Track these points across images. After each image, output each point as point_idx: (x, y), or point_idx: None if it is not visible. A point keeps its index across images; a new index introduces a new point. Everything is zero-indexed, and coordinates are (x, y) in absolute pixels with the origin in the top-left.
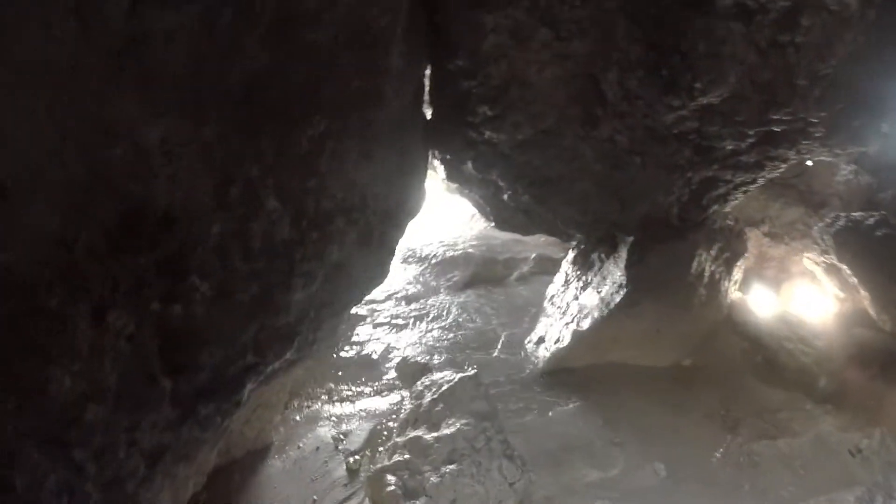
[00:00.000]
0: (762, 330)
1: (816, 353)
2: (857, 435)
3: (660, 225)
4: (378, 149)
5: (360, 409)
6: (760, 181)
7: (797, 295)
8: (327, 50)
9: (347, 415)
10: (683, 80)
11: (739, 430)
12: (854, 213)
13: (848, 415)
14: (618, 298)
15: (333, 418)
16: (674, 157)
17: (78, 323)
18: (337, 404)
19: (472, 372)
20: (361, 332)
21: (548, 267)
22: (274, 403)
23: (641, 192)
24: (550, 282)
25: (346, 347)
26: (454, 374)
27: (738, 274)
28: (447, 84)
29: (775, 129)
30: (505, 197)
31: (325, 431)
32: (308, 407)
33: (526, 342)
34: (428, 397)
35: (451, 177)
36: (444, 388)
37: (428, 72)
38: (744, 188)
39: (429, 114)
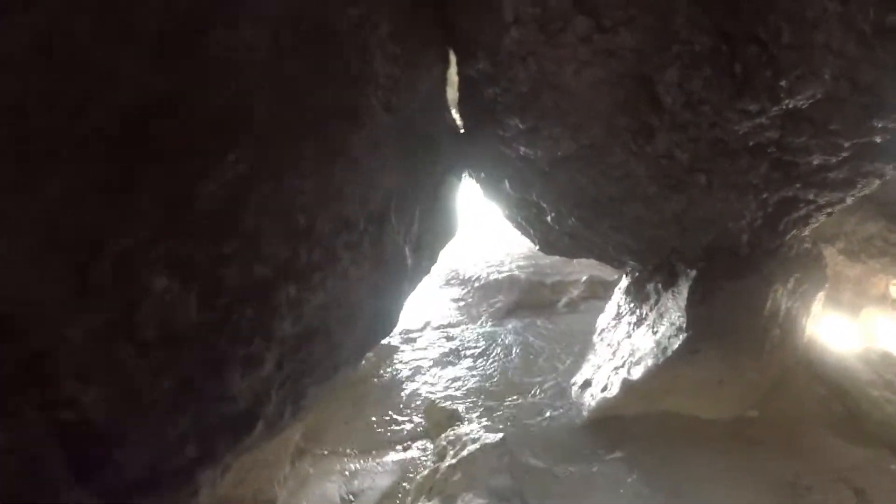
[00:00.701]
0: (842, 372)
1: None
2: None
3: (727, 254)
4: (356, 176)
5: (378, 463)
6: (849, 200)
7: (879, 325)
8: (260, 60)
9: (362, 470)
10: (762, 78)
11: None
12: None
13: None
14: (676, 344)
15: (347, 473)
16: (746, 175)
17: None
18: (354, 456)
19: (498, 437)
20: (391, 366)
21: (599, 291)
22: (273, 462)
23: (705, 216)
24: (601, 309)
25: (373, 383)
26: (480, 432)
27: (816, 308)
28: (470, 92)
29: (877, 140)
30: (549, 219)
31: (335, 489)
32: (324, 455)
33: (571, 383)
34: (448, 460)
35: (488, 196)
36: (465, 452)
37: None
38: (829, 209)
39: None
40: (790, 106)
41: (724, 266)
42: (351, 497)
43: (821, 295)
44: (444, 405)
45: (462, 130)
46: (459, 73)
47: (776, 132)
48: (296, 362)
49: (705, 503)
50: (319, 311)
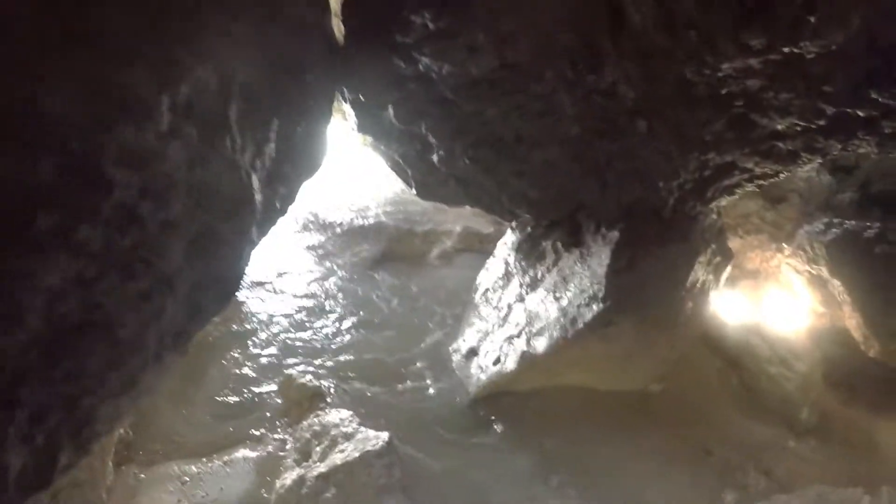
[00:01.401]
0: (741, 347)
1: (798, 379)
2: (858, 492)
3: (649, 216)
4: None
5: (225, 464)
6: (781, 176)
7: (767, 302)
8: None
9: (206, 474)
10: (784, 9)
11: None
12: (848, 223)
13: (837, 455)
14: (588, 315)
15: (187, 478)
16: (700, 129)
17: None
18: (194, 456)
19: (382, 440)
20: (236, 327)
21: (474, 244)
22: (86, 480)
23: (635, 170)
24: (478, 264)
25: (214, 351)
26: (354, 426)
27: (723, 281)
28: None
29: (859, 114)
30: (434, 158)
31: (171, 499)
32: (157, 454)
33: (452, 350)
34: (316, 465)
35: (363, 127)
36: (339, 457)
37: None
38: (759, 181)
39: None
40: (799, 51)
41: (650, 229)
42: None
43: (729, 268)
44: (303, 381)
45: (343, 40)
46: None
47: (759, 81)
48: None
49: (620, 487)
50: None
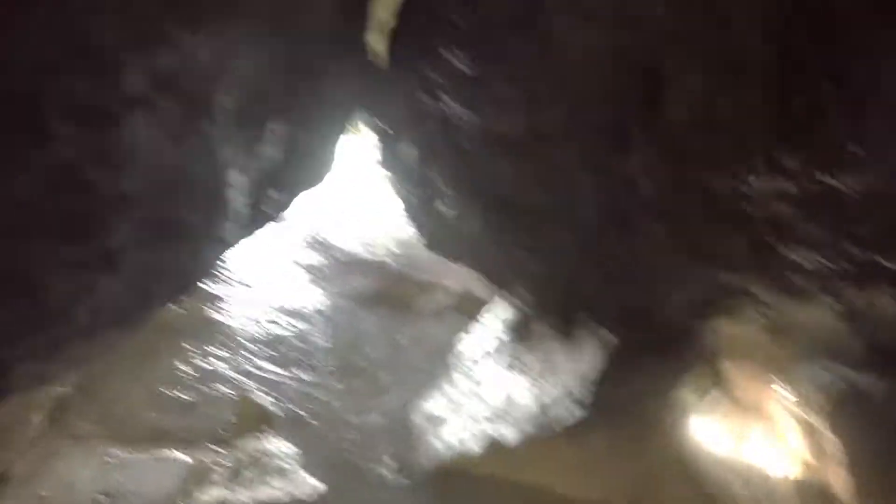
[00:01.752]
0: (715, 479)
1: None
2: None
3: (644, 325)
4: None
5: (152, 459)
6: (790, 310)
7: (752, 438)
8: None
9: (130, 464)
10: (828, 130)
11: None
12: (858, 377)
13: None
14: (570, 420)
15: (108, 461)
16: (715, 246)
17: None
18: (123, 441)
19: (314, 498)
20: (206, 319)
21: (469, 308)
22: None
23: (644, 274)
24: (466, 327)
25: (177, 335)
26: (290, 467)
27: (705, 403)
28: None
29: (889, 266)
30: (445, 209)
31: (88, 481)
32: (85, 427)
33: (419, 412)
34: (239, 496)
35: (384, 160)
36: (266, 498)
37: None
38: (764, 311)
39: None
40: (833, 182)
41: (646, 338)
42: (103, 498)
43: (713, 390)
44: (258, 400)
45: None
46: None
47: (789, 208)
48: None
49: None
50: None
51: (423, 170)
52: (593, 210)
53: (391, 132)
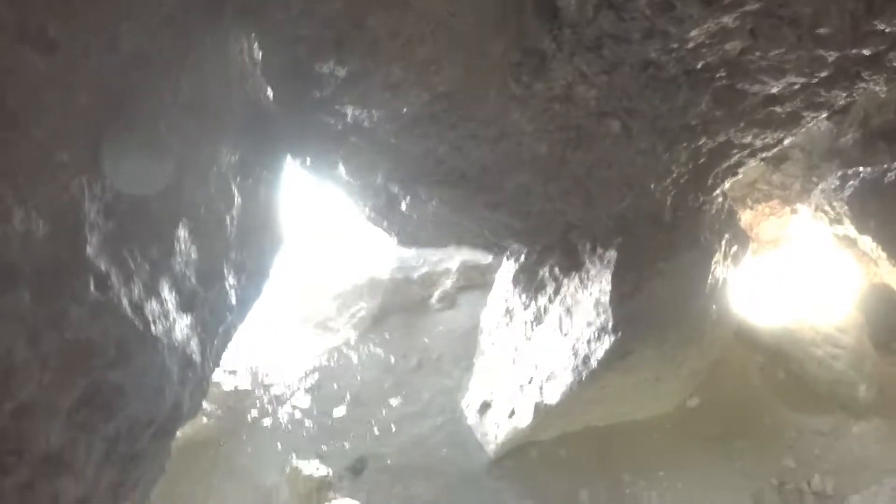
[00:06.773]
0: (779, 336)
1: (848, 354)
2: None
3: (646, 227)
4: None
5: None
6: (786, 142)
7: (793, 273)
8: None
9: None
10: None
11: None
12: (865, 171)
13: None
14: (601, 351)
15: None
16: (682, 115)
17: None
18: None
19: None
20: (236, 422)
21: (475, 278)
22: None
23: (619, 176)
24: (483, 301)
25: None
26: None
27: (743, 271)
28: (270, 35)
29: (864, 53)
30: (403, 206)
31: None
32: None
33: (465, 406)
34: None
35: (329, 186)
36: None
37: None
38: (762, 154)
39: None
40: None
41: (652, 241)
42: None
43: (748, 256)
44: (309, 471)
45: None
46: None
47: (740, 42)
48: None
49: None
50: None
51: (362, 180)
52: (543, 141)
53: (318, 161)
